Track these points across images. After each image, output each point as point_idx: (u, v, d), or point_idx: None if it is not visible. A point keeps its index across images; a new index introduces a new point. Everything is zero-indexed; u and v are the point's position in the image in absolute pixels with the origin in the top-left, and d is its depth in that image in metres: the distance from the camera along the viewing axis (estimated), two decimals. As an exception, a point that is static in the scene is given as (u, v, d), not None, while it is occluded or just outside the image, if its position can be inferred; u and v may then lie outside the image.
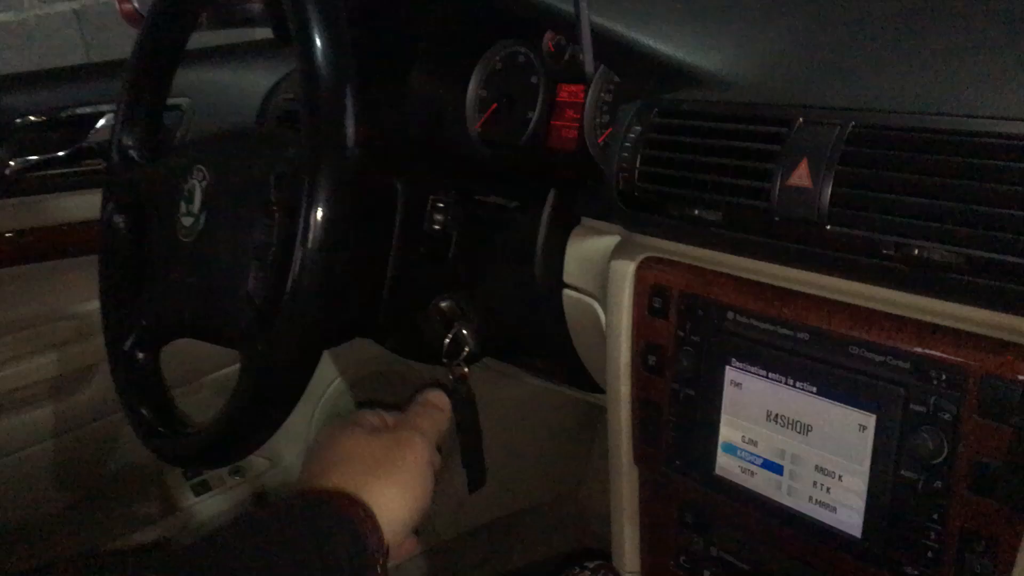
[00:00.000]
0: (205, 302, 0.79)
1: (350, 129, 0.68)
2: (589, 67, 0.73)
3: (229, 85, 1.24)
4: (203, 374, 1.30)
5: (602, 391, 0.90)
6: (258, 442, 0.78)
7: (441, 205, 0.90)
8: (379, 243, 0.88)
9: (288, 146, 0.73)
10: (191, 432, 0.82)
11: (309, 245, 0.67)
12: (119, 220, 0.92)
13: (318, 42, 0.68)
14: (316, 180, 0.67)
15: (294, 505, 0.65)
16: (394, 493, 0.69)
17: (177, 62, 0.94)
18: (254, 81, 1.24)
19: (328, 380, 1.42)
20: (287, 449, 1.43)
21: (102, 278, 0.94)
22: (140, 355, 0.88)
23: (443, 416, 0.81)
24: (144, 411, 0.87)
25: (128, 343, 0.88)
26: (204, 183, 0.80)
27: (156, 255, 0.86)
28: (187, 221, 0.81)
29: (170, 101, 1.17)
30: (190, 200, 0.81)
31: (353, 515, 0.65)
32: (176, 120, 1.20)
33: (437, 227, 0.90)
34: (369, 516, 0.66)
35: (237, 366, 0.74)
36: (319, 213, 0.67)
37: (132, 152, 0.93)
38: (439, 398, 0.83)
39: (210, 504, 1.39)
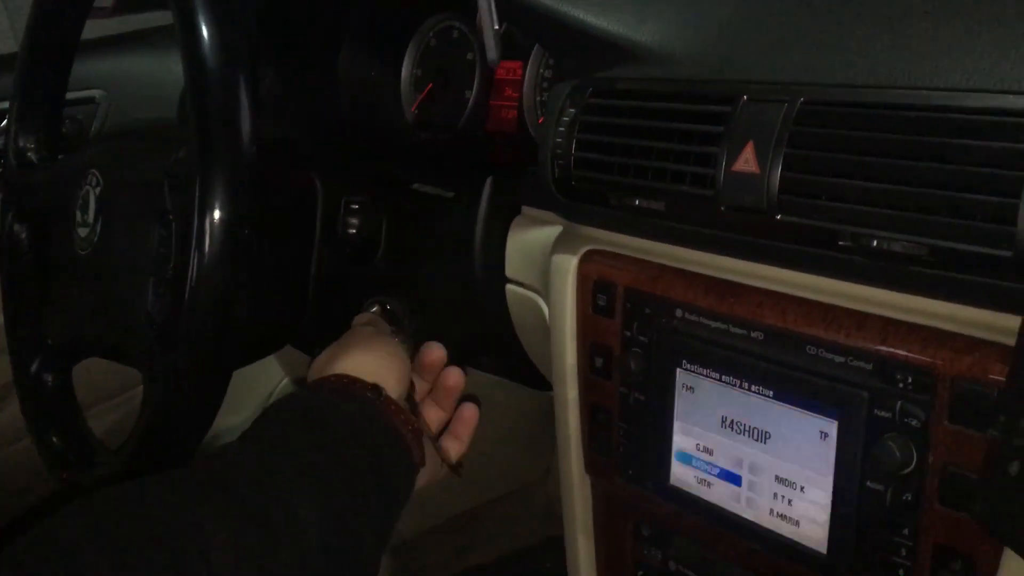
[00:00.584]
0: (106, 321, 0.72)
1: (244, 125, 0.61)
2: (491, 53, 0.66)
3: (148, 74, 1.16)
4: (135, 384, 1.22)
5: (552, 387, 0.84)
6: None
7: (355, 207, 0.82)
8: (298, 247, 0.81)
9: (181, 147, 0.66)
10: (101, 462, 0.75)
11: (205, 256, 0.60)
12: (20, 230, 0.85)
13: (203, 27, 0.61)
14: (208, 184, 0.60)
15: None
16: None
17: (73, 50, 0.85)
18: (173, 69, 1.15)
19: (276, 379, 1.35)
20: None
21: (4, 293, 0.86)
22: (48, 378, 0.81)
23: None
24: (54, 439, 0.80)
25: (35, 366, 0.81)
26: (98, 189, 0.72)
27: (56, 269, 0.79)
28: (83, 232, 0.73)
29: (82, 94, 1.10)
30: (85, 209, 0.74)
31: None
32: (90, 114, 1.12)
33: (352, 231, 0.82)
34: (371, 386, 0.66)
35: None
36: (213, 219, 0.60)
37: (30, 154, 0.86)
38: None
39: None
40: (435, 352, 0.78)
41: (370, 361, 0.70)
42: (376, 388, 0.67)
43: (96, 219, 0.72)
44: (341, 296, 0.85)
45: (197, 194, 0.60)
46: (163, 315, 0.66)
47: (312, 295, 0.83)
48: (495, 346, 0.90)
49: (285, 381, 1.35)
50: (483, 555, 1.55)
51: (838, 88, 0.56)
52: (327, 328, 0.87)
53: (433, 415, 0.78)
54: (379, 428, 0.65)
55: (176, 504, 0.54)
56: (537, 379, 0.91)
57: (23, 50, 0.84)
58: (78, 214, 0.74)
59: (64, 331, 0.79)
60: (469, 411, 0.79)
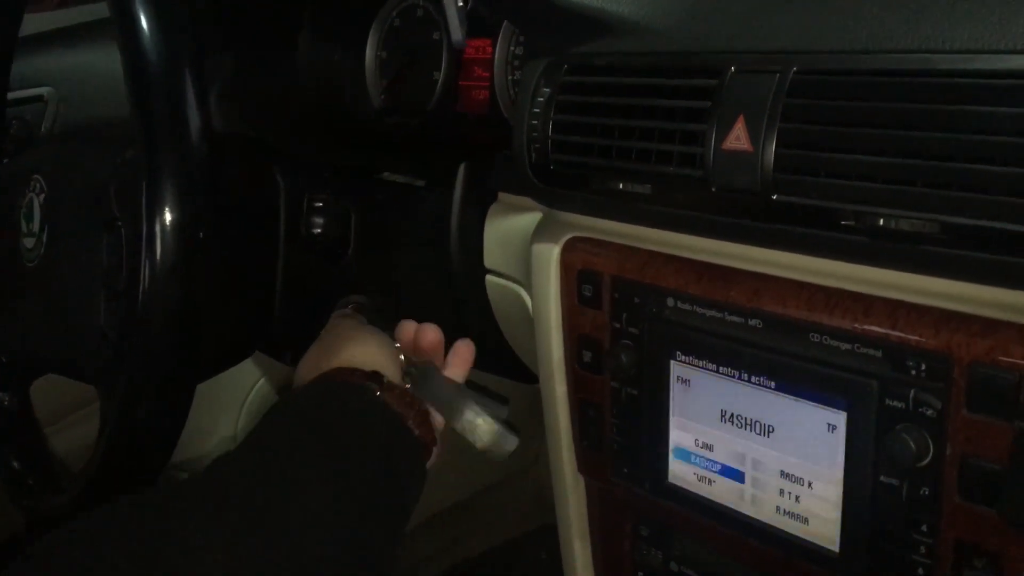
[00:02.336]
0: (58, 336, 0.68)
1: (193, 120, 0.56)
2: (455, 34, 0.61)
3: (99, 68, 1.09)
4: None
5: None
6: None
7: (319, 205, 0.77)
8: (261, 248, 0.77)
9: (127, 147, 0.61)
10: (63, 487, 0.71)
11: (157, 264, 0.55)
12: (-35, 241, 0.79)
13: (143, 22, 0.56)
14: (155, 184, 0.55)
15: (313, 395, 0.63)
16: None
17: (11, 48, 0.80)
18: (127, 62, 1.09)
19: (251, 383, 1.30)
20: (215, 459, 1.32)
21: (-48, 310, 0.81)
22: (4, 398, 0.76)
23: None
24: (14, 463, 0.75)
25: (-11, 386, 0.76)
26: (41, 196, 0.67)
27: (3, 282, 0.74)
28: (29, 242, 0.68)
29: (29, 92, 1.04)
30: (30, 217, 0.68)
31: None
32: (38, 113, 1.06)
33: (317, 230, 0.78)
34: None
35: None
36: (164, 223, 0.55)
37: (-29, 160, 0.80)
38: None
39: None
40: (431, 334, 0.73)
41: (362, 349, 0.67)
42: (376, 375, 0.64)
43: (42, 228, 0.67)
44: (311, 297, 0.81)
45: (144, 196, 0.55)
46: (117, 329, 0.61)
47: (279, 298, 0.79)
48: (477, 340, 0.86)
49: (261, 382, 1.31)
50: (477, 545, 1.52)
51: (833, 55, 0.51)
52: (297, 331, 0.83)
53: None
54: (384, 417, 0.63)
55: (176, 519, 0.51)
56: (522, 372, 0.87)
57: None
58: (23, 223, 0.69)
59: (17, 348, 0.74)
60: (464, 345, 0.74)
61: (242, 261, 0.77)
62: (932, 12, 0.49)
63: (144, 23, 0.56)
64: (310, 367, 0.67)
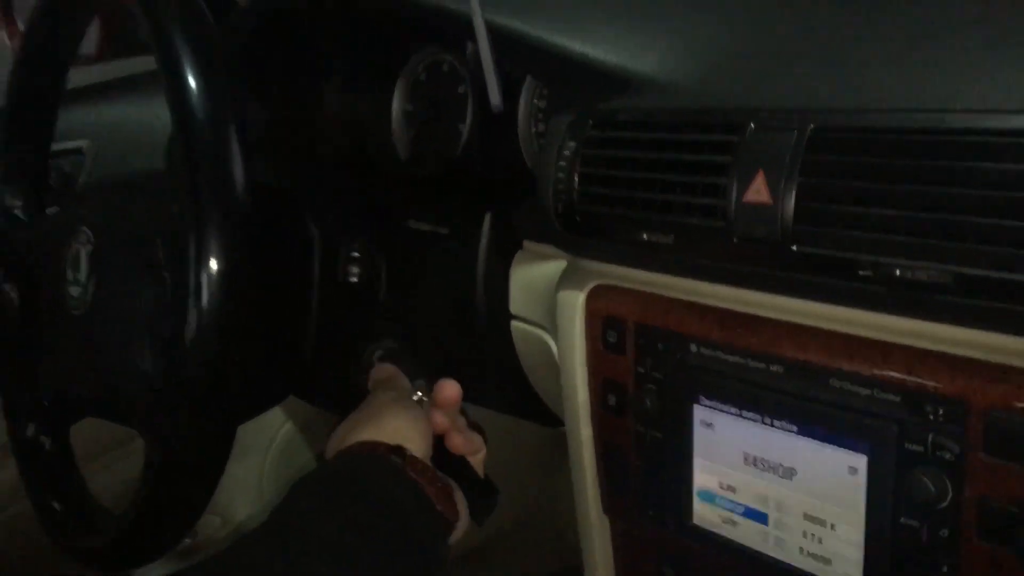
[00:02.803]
0: (102, 382, 0.70)
1: (237, 174, 0.59)
2: (495, 98, 0.64)
3: (133, 121, 1.14)
4: (130, 439, 1.19)
5: (564, 424, 0.82)
6: (179, 533, 0.69)
7: (356, 255, 0.80)
8: (297, 295, 0.79)
9: (174, 200, 0.64)
10: (105, 528, 0.73)
11: (203, 311, 0.58)
12: (9, 289, 0.82)
13: (191, 81, 0.59)
14: (202, 236, 0.58)
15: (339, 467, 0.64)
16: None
17: (57, 101, 0.83)
18: (161, 115, 1.13)
19: (277, 425, 1.32)
20: (240, 505, 1.33)
21: (-3, 354, 0.84)
22: (45, 441, 0.79)
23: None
24: (55, 504, 0.77)
25: (31, 429, 0.79)
26: (89, 247, 0.70)
27: (48, 329, 0.77)
28: (75, 291, 0.71)
29: (68, 144, 1.08)
30: (76, 267, 0.71)
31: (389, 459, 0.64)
32: (77, 165, 1.09)
33: (353, 279, 0.80)
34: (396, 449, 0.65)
35: None
36: (210, 272, 0.58)
37: (17, 211, 0.83)
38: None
39: (157, 571, 1.29)
40: (448, 388, 0.75)
41: (391, 423, 0.68)
42: (400, 449, 0.65)
43: (89, 278, 0.70)
44: (342, 341, 0.83)
45: (192, 247, 0.58)
46: (161, 373, 0.64)
47: (312, 342, 0.81)
48: (502, 383, 0.88)
49: (287, 426, 1.33)
50: (497, 590, 1.52)
51: (848, 113, 0.54)
52: (329, 375, 0.85)
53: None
54: (405, 492, 0.63)
55: None
56: (546, 415, 0.89)
57: (7, 102, 0.82)
58: (69, 272, 0.72)
59: (59, 393, 0.76)
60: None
61: (278, 307, 0.79)
62: (943, 73, 0.52)
63: (192, 83, 0.59)
64: (339, 439, 0.69)
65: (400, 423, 0.69)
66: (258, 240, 0.62)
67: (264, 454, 1.31)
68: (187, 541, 1.32)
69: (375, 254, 0.82)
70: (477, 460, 0.77)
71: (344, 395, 0.88)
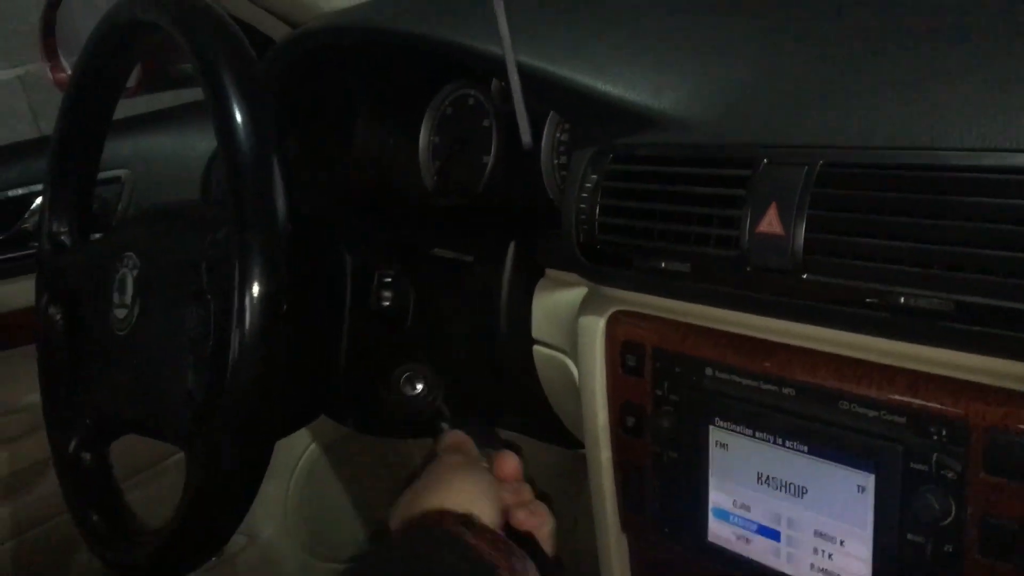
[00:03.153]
0: (145, 400, 0.74)
1: (279, 202, 0.63)
2: (526, 137, 0.68)
3: (169, 152, 1.19)
4: (168, 453, 1.23)
5: (583, 446, 0.85)
6: (216, 547, 0.73)
7: (388, 280, 0.84)
8: (330, 319, 0.83)
9: (218, 227, 0.68)
10: (144, 541, 0.76)
11: (246, 333, 0.62)
12: (55, 312, 0.86)
13: (237, 115, 0.63)
14: (246, 263, 0.62)
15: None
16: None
17: (104, 134, 0.88)
18: (194, 146, 1.18)
19: (303, 446, 1.36)
20: (265, 523, 1.36)
21: (41, 374, 0.88)
22: (87, 456, 0.82)
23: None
24: (95, 517, 0.80)
25: (72, 445, 0.82)
26: (135, 272, 0.74)
27: (92, 349, 0.81)
28: (120, 313, 0.75)
29: (108, 174, 1.13)
30: (122, 291, 0.75)
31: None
32: (116, 194, 1.14)
33: (386, 303, 0.84)
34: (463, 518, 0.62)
35: None
36: (253, 296, 0.62)
37: (63, 237, 0.88)
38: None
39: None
40: (509, 462, 0.74)
41: (460, 487, 0.66)
42: (468, 518, 0.62)
43: (134, 300, 0.74)
44: (371, 364, 0.87)
45: (237, 272, 0.62)
46: (203, 392, 0.67)
47: (344, 365, 0.85)
48: (524, 407, 0.91)
49: (312, 447, 1.36)
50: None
51: (856, 150, 0.57)
52: (359, 396, 0.88)
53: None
54: (473, 566, 0.59)
55: None
56: (566, 438, 0.91)
57: (57, 134, 0.86)
58: (115, 295, 0.76)
59: (102, 410, 0.80)
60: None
61: (313, 329, 0.83)
62: (945, 114, 0.55)
63: (239, 117, 0.63)
64: (405, 507, 0.66)
65: (470, 487, 0.66)
66: (296, 266, 0.65)
67: (290, 474, 1.34)
68: (213, 559, 1.36)
69: (407, 280, 0.85)
70: (544, 534, 0.71)
71: (372, 415, 0.92)
